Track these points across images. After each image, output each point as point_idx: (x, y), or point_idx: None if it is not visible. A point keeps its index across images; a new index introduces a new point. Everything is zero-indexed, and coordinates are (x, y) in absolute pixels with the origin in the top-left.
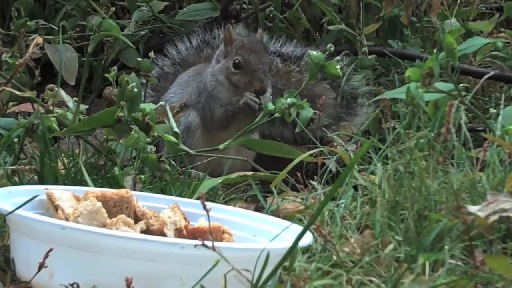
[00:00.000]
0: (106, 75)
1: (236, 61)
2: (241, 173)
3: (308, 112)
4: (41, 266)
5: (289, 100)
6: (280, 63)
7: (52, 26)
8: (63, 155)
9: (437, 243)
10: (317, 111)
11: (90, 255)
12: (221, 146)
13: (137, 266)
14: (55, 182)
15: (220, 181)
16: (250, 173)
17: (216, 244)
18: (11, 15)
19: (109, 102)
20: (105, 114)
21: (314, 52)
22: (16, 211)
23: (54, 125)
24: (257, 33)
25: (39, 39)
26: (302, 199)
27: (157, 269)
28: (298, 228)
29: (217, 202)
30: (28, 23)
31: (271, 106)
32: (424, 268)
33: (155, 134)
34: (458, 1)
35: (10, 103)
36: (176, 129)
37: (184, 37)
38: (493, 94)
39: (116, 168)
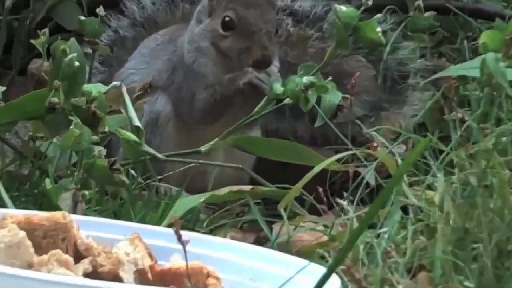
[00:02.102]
0: (32, 41)
1: (227, 18)
2: (234, 188)
3: (334, 97)
4: None
5: (305, 80)
6: (293, 25)
7: None
8: None
9: None
10: (347, 96)
11: None
12: (203, 148)
13: None
14: None
15: (202, 199)
16: (248, 187)
17: None
18: None
19: (37, 81)
20: (31, 99)
21: (344, 8)
22: None
23: None
24: None
25: None
26: (326, 226)
27: None
28: (320, 269)
29: (198, 231)
30: None
31: (279, 88)
32: None
33: (106, 129)
34: None
35: None
36: (137, 122)
37: None
38: None
39: (47, 180)
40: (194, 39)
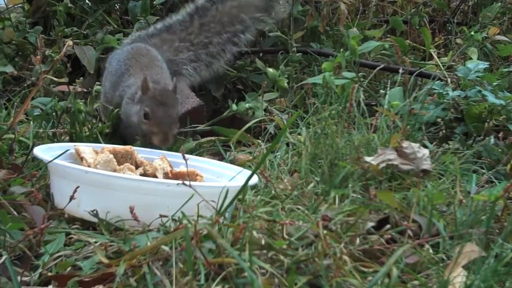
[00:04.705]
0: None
1: (145, 111)
2: (209, 139)
3: (260, 112)
4: (71, 198)
5: (247, 105)
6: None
7: (81, 31)
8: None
9: (344, 182)
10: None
11: (105, 191)
12: (198, 128)
13: (137, 198)
14: (81, 141)
15: (194, 144)
16: (214, 138)
17: (192, 183)
18: (52, 24)
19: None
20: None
21: (271, 70)
22: (54, 160)
23: (82, 107)
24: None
25: (70, 42)
26: (251, 152)
27: (151, 200)
28: (248, 172)
29: (192, 154)
30: (64, 30)
31: (235, 107)
32: (335, 200)
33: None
34: (358, 16)
35: (51, 85)
36: None
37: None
38: (382, 80)
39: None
40: (130, 112)
